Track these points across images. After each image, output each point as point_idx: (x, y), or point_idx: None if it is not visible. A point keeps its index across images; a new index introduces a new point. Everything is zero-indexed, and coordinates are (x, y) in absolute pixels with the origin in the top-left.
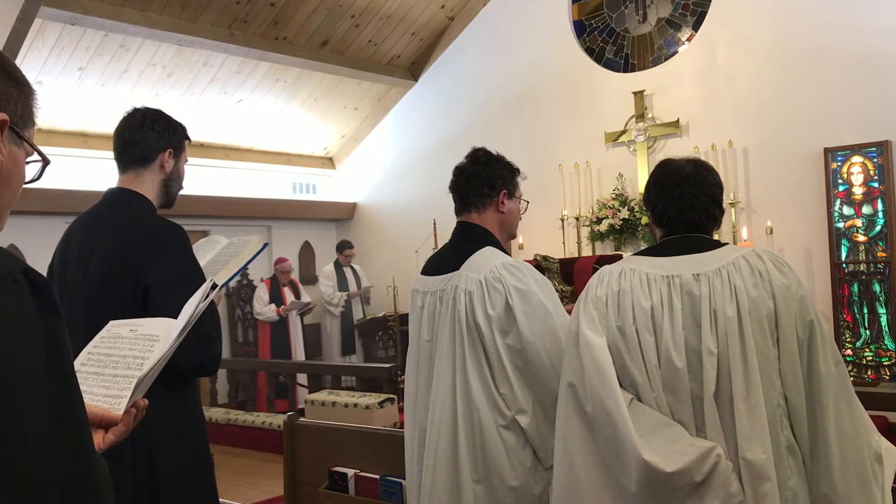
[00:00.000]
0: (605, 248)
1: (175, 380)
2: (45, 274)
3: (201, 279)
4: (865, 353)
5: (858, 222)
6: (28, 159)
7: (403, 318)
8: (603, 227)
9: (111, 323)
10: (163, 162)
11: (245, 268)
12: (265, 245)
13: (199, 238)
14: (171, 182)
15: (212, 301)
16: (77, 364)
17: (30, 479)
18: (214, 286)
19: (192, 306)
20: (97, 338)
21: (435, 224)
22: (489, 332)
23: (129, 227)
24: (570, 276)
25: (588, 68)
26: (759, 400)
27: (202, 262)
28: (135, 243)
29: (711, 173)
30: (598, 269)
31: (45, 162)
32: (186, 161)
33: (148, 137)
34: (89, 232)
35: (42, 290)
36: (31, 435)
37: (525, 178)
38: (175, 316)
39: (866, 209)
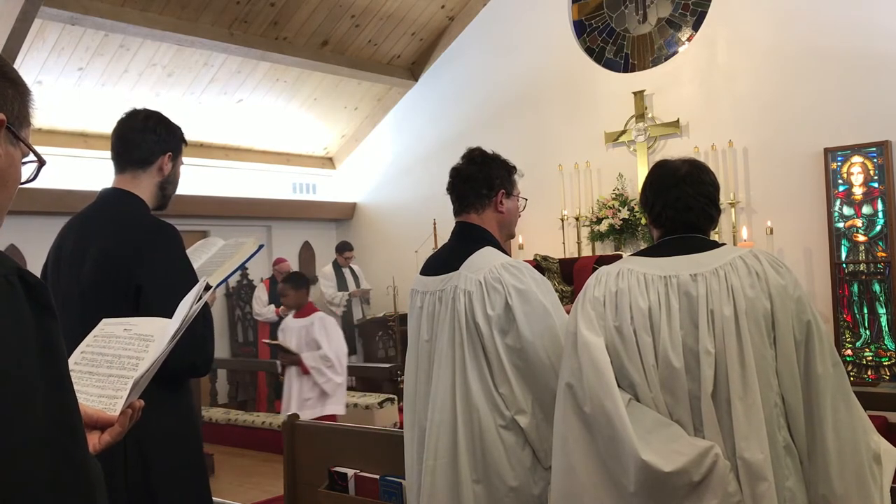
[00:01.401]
0: (604, 249)
1: (168, 380)
2: (39, 274)
3: (194, 279)
4: (865, 354)
5: (858, 222)
6: (24, 160)
7: (403, 319)
8: (603, 227)
9: (104, 321)
10: (162, 165)
11: (240, 269)
12: (261, 247)
13: (198, 238)
14: (167, 185)
15: (205, 302)
16: (70, 363)
17: (21, 481)
18: (208, 287)
19: (185, 307)
20: (90, 336)
21: (435, 224)
22: (489, 332)
23: (122, 227)
24: (569, 276)
25: (588, 68)
26: (756, 400)
27: (198, 264)
28: (128, 243)
29: (707, 173)
30: (597, 269)
31: (41, 162)
32: (182, 164)
33: (149, 140)
34: (83, 232)
35: (36, 290)
36: (24, 437)
37: (522, 176)
38: (168, 315)
39: (866, 209)
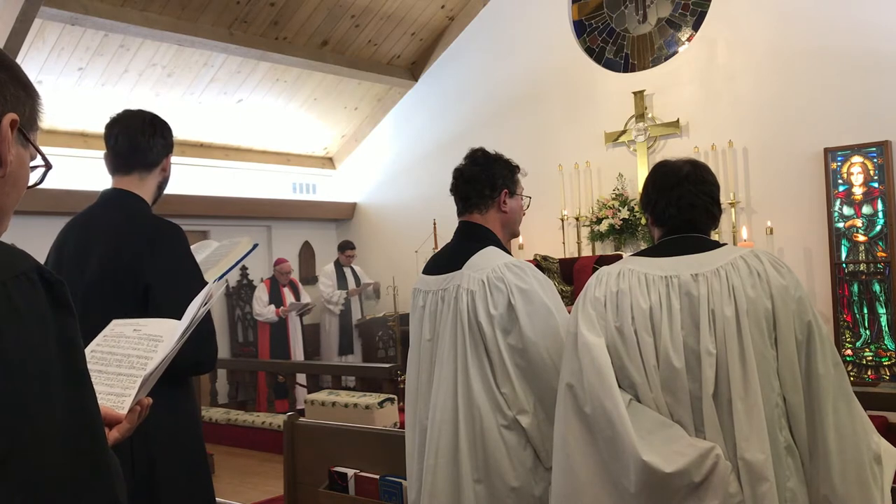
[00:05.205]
0: (605, 249)
1: (171, 378)
2: None
3: (201, 278)
4: (865, 353)
5: (858, 222)
6: (31, 163)
7: (403, 318)
8: (603, 227)
9: (114, 322)
10: (165, 166)
11: (236, 267)
12: (255, 245)
13: (198, 238)
14: (165, 183)
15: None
16: None
17: (42, 476)
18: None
19: (194, 308)
20: (100, 336)
21: (435, 224)
22: (491, 331)
23: (127, 227)
24: (569, 276)
25: (588, 68)
26: (757, 400)
27: None
28: (134, 242)
29: (709, 172)
30: (597, 269)
31: (48, 166)
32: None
33: (158, 144)
34: (86, 232)
35: (55, 288)
36: (45, 432)
37: (525, 175)
38: (176, 314)
39: (866, 209)
